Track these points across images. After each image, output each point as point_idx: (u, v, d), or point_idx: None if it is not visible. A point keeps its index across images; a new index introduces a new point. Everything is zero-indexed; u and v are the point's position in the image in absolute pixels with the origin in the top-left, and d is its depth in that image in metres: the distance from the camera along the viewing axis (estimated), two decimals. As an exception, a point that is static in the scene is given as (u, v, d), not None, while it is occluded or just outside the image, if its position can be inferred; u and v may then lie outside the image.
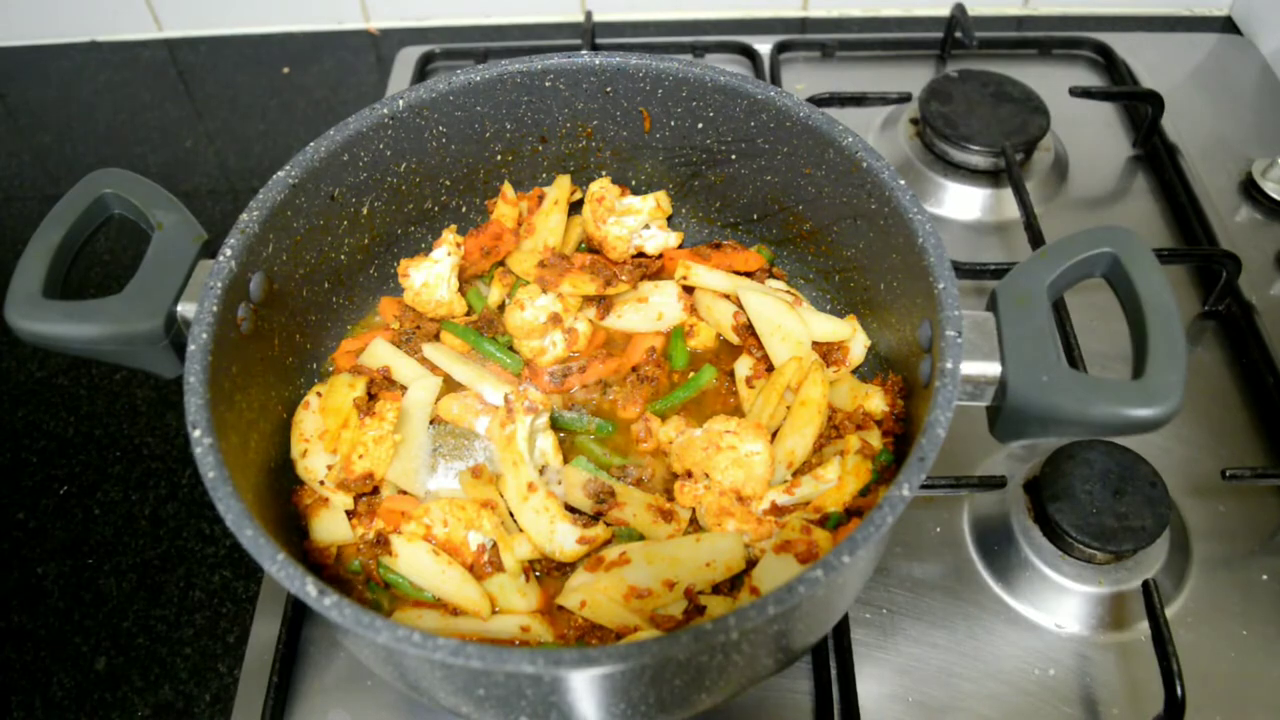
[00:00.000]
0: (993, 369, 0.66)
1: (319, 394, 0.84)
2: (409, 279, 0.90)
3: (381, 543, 0.78)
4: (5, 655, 0.89)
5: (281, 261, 0.78)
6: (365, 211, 0.87)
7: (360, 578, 0.78)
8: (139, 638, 0.89)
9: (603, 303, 0.93)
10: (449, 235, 0.91)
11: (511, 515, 0.80)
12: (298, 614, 0.86)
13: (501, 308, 0.95)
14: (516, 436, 0.80)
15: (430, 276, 0.89)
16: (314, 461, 0.80)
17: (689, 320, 0.93)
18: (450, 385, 0.89)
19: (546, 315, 0.87)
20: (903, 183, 0.75)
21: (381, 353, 0.88)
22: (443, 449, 0.85)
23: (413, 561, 0.77)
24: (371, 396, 0.85)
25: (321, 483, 0.79)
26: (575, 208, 0.99)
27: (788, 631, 0.64)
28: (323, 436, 0.80)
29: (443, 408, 0.86)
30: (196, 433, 0.62)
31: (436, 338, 0.93)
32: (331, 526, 0.79)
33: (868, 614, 0.86)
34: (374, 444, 0.79)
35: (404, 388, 0.87)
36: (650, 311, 0.93)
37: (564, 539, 0.77)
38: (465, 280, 0.95)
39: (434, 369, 0.89)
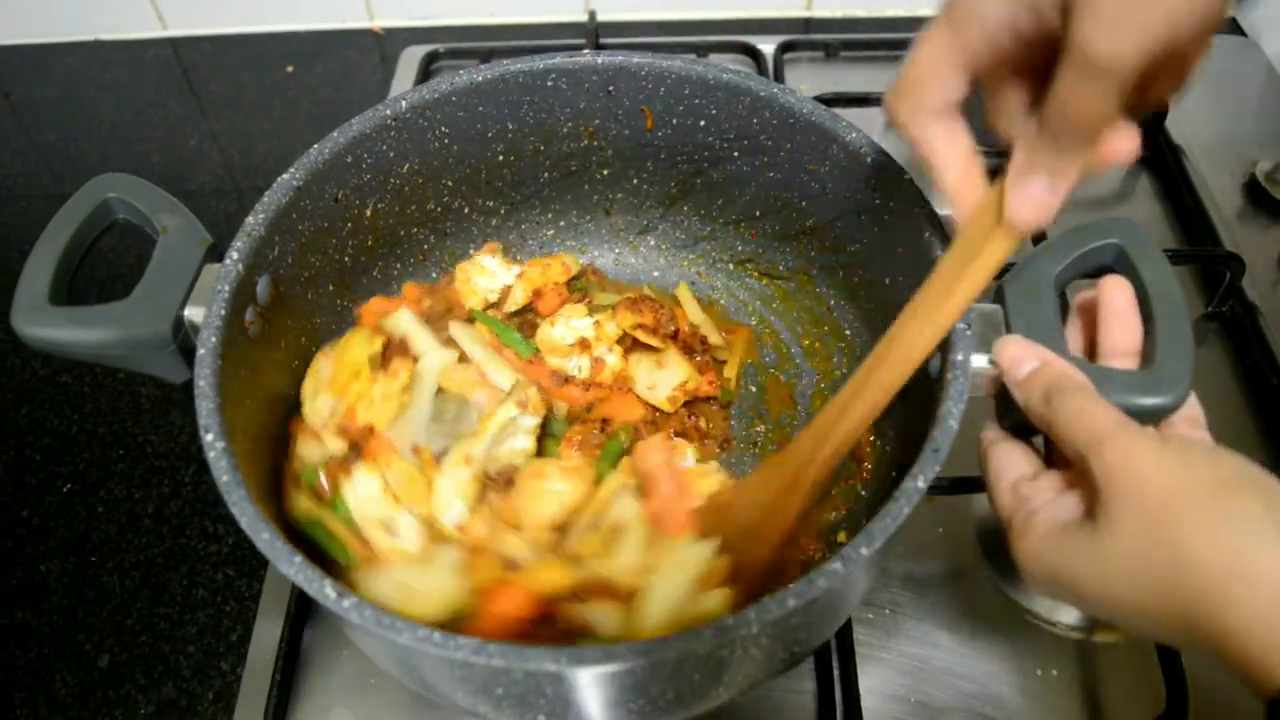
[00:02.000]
0: None
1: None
2: (469, 280, 0.93)
3: (347, 463, 0.77)
4: (9, 653, 0.89)
5: (287, 264, 0.78)
6: (369, 213, 0.87)
7: (308, 492, 0.76)
8: (142, 635, 0.90)
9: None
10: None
11: None
12: (301, 613, 0.86)
13: (528, 309, 0.96)
14: (496, 415, 0.80)
15: (492, 284, 0.92)
16: (322, 403, 0.81)
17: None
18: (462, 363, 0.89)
19: (575, 338, 0.87)
20: (908, 176, 0.75)
21: (405, 322, 0.89)
22: (440, 417, 0.85)
23: (364, 493, 0.76)
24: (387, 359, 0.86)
25: (324, 427, 0.80)
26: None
27: (806, 625, 0.65)
28: (332, 384, 0.81)
29: (445, 374, 0.87)
30: (209, 436, 0.62)
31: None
32: (315, 449, 0.79)
33: (870, 614, 0.86)
34: (381, 400, 0.80)
35: (415, 358, 0.88)
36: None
37: (449, 514, 0.76)
38: None
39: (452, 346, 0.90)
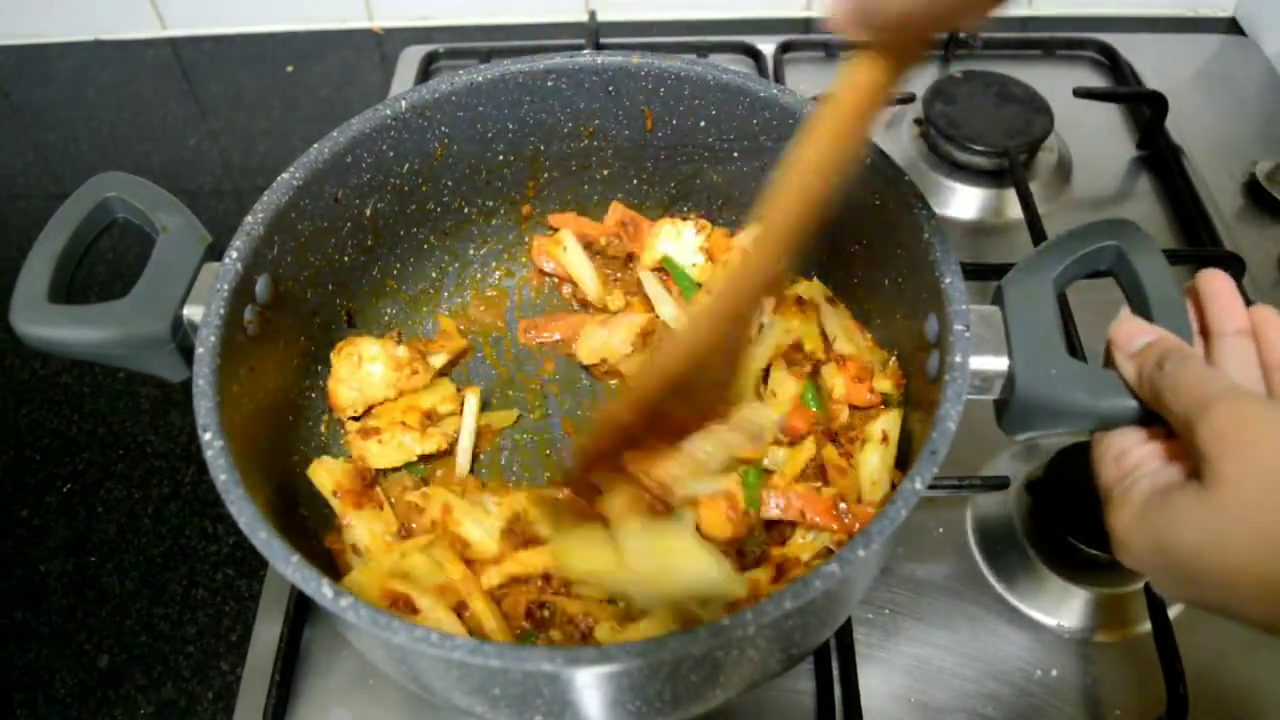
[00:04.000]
0: (1001, 363, 0.66)
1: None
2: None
3: None
4: (8, 653, 0.89)
5: (286, 264, 0.78)
6: (368, 213, 0.87)
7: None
8: (142, 635, 0.90)
9: None
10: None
11: None
12: (300, 613, 0.86)
13: None
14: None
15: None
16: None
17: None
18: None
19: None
20: (907, 178, 0.75)
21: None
22: None
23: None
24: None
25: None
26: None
27: (803, 626, 0.65)
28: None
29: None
30: (207, 435, 0.62)
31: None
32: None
33: (870, 614, 0.86)
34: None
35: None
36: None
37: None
38: None
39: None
